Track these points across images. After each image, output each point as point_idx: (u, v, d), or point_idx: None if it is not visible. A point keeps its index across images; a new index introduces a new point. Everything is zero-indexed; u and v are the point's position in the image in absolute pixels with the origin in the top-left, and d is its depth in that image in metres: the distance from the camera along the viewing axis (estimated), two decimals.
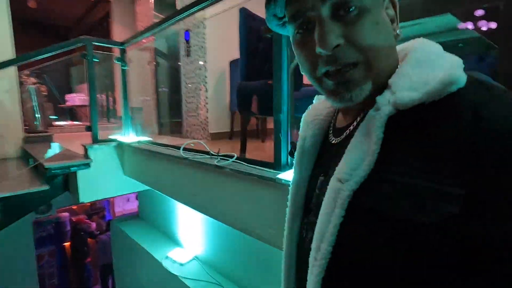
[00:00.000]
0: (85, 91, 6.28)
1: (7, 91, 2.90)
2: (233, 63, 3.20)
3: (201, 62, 3.36)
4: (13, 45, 2.88)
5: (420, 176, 0.30)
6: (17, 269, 3.23)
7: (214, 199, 1.44)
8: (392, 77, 0.37)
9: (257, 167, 1.23)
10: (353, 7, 0.35)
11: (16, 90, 3.00)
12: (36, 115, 3.41)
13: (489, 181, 0.28)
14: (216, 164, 1.34)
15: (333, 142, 0.46)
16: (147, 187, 2.32)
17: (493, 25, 0.73)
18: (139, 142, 2.24)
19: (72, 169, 2.06)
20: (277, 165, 1.16)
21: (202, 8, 1.69)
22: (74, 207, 5.49)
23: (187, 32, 3.50)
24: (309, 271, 0.39)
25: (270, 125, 3.55)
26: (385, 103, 0.35)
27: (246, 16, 1.68)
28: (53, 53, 2.09)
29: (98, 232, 5.61)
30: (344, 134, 0.44)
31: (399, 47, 0.42)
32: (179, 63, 3.71)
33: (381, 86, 0.37)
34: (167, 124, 4.23)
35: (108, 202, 6.21)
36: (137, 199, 3.57)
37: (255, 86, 1.59)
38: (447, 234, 0.29)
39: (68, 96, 5.82)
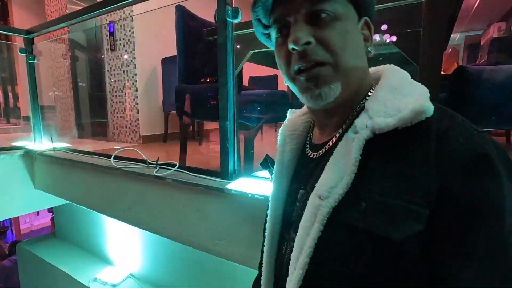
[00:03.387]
0: None
1: None
2: (165, 61, 3.01)
3: (127, 57, 3.06)
4: None
5: (392, 195, 0.33)
6: None
7: (154, 212, 1.32)
8: (368, 101, 0.40)
9: (202, 176, 1.18)
10: (325, 14, 0.39)
11: None
12: None
13: (451, 200, 0.31)
14: (156, 174, 1.23)
15: (311, 156, 0.48)
16: (66, 201, 2.00)
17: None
18: (54, 149, 1.92)
19: None
20: (223, 174, 1.12)
21: (130, 4, 1.54)
22: None
23: (111, 24, 3.14)
24: (288, 280, 0.41)
25: (207, 126, 3.46)
26: (363, 127, 0.37)
27: (183, 15, 1.58)
28: None
29: None
30: (322, 150, 0.46)
31: (371, 70, 0.47)
32: (102, 56, 3.30)
33: (359, 109, 0.41)
34: (89, 126, 3.73)
35: (9, 219, 5.18)
36: (50, 212, 3.03)
37: (196, 89, 1.52)
38: (415, 248, 0.32)
39: None
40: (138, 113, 3.11)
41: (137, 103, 3.10)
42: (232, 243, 1.05)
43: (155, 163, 1.34)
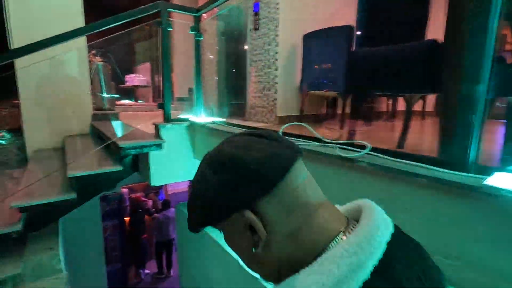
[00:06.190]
0: (144, 72, 6.36)
1: (77, 67, 2.87)
2: (308, 37, 2.77)
3: (270, 35, 3.00)
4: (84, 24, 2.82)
5: None
6: (86, 240, 3.33)
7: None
8: None
9: (415, 163, 0.86)
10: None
11: (86, 67, 2.96)
12: (104, 92, 3.39)
13: None
14: (342, 155, 0.99)
15: None
16: None
17: None
18: (214, 122, 2.00)
19: (145, 149, 1.89)
20: (458, 164, 0.77)
21: None
22: (133, 184, 5.66)
23: (256, 3, 3.14)
24: None
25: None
26: None
27: None
28: (127, 20, 1.89)
29: (154, 209, 5.76)
30: None
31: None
32: (245, 37, 3.40)
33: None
34: (228, 106, 4.00)
35: None
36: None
37: (388, 52, 1.19)
38: None
39: (128, 77, 5.91)
40: (276, 93, 3.05)
41: (276, 83, 3.04)
42: (475, 266, 0.70)
43: (334, 142, 1.11)
